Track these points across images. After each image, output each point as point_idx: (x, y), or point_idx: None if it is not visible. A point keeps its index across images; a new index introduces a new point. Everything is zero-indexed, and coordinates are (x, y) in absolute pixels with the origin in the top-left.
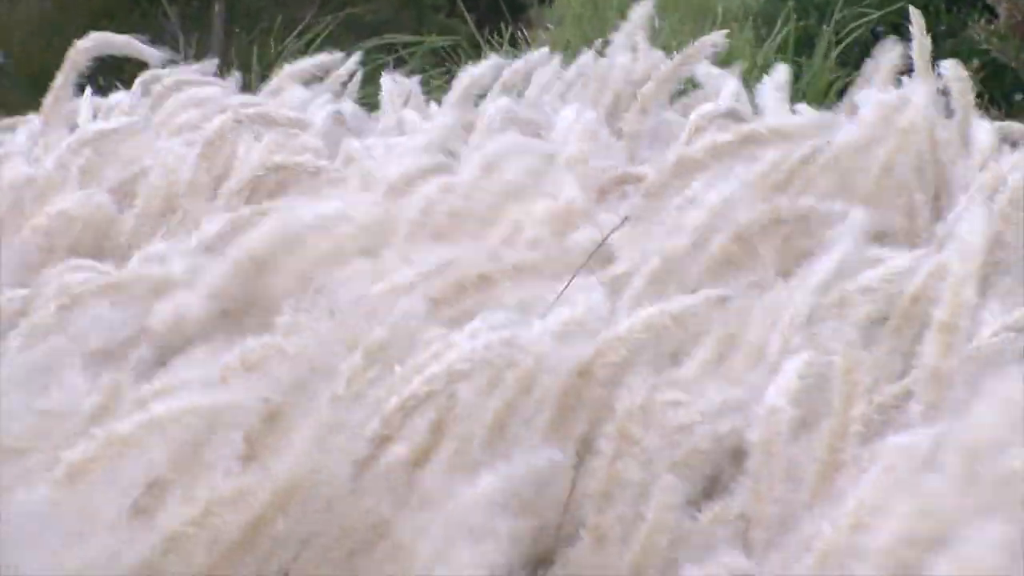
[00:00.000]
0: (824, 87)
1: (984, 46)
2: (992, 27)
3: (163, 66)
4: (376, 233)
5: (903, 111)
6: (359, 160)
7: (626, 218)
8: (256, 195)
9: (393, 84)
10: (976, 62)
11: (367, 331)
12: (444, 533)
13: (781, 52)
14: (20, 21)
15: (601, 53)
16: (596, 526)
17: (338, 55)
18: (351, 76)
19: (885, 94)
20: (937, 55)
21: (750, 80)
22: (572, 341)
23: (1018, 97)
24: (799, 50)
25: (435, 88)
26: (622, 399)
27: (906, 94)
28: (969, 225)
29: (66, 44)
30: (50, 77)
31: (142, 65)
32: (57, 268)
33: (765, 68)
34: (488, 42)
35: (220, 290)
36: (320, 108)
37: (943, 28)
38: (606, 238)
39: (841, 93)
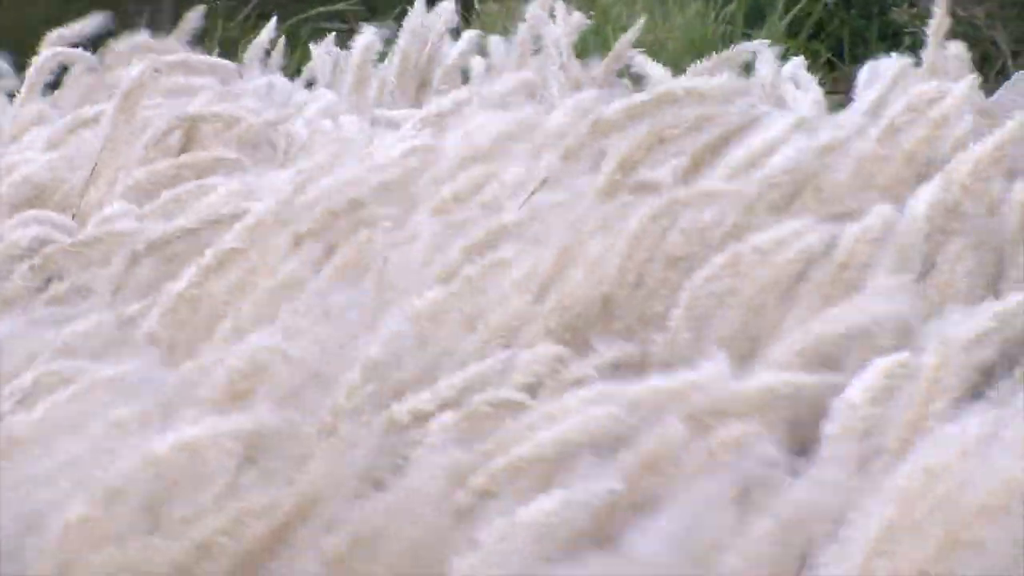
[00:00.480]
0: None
1: (910, 28)
2: (914, 10)
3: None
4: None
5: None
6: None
7: (545, 179)
8: (190, 146)
9: (326, 55)
10: (908, 41)
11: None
12: None
13: (732, 24)
14: (32, 22)
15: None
16: None
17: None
18: (272, 44)
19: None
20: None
21: (704, 53)
22: None
23: None
24: (749, 22)
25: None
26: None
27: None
28: None
29: None
30: None
31: None
32: (11, 221)
33: (716, 41)
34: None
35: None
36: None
37: (876, 10)
38: (528, 198)
39: None
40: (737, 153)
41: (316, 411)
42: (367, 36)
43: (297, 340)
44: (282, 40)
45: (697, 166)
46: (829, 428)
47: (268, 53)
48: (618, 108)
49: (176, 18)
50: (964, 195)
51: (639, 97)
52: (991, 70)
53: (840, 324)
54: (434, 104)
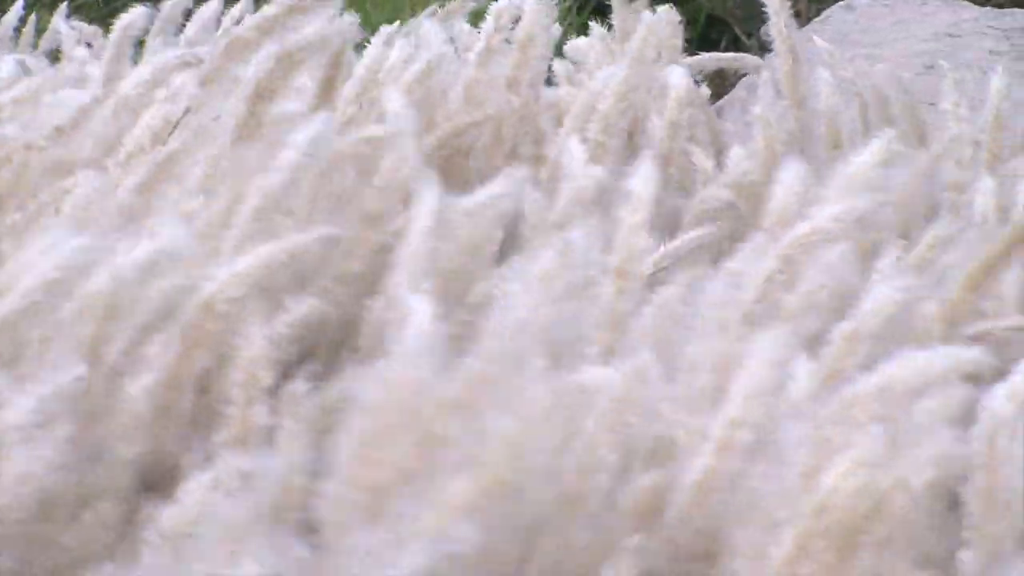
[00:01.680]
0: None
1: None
2: None
3: None
4: None
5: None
6: None
7: (188, 108)
8: None
9: (70, 30)
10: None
11: None
12: None
13: None
14: None
15: None
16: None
17: None
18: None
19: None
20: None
21: None
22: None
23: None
24: None
25: None
26: (244, 348)
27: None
28: (640, 176)
29: None
30: None
31: None
32: None
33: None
34: None
35: None
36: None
37: None
38: (175, 126)
39: None
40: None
41: None
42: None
43: None
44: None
45: (327, 92)
46: None
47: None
48: (250, 24)
49: None
50: (602, 153)
51: (270, 10)
52: (725, 41)
53: None
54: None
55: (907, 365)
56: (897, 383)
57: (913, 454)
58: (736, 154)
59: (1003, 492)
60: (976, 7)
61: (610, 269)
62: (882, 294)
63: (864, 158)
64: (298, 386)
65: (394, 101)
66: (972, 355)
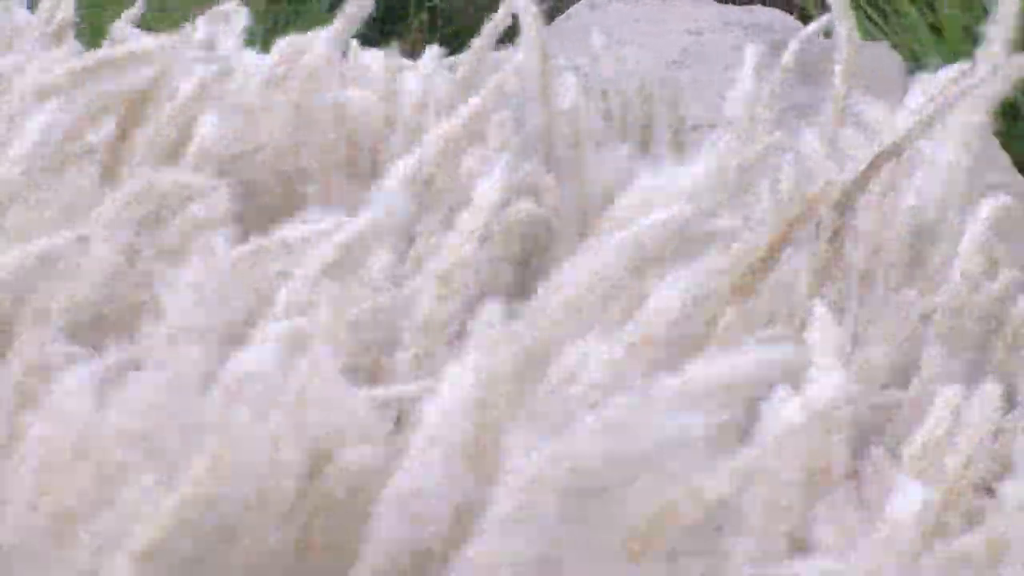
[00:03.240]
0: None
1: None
2: None
3: None
4: None
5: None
6: None
7: None
8: None
9: None
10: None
11: None
12: None
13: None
14: None
15: None
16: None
17: None
18: None
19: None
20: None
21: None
22: None
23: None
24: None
25: None
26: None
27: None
28: (485, 186)
29: None
30: None
31: None
32: None
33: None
34: None
35: None
36: None
37: None
38: None
39: None
40: (162, 115)
41: None
42: None
43: None
44: None
45: (125, 134)
46: None
47: None
48: (59, 73)
49: None
50: (437, 171)
51: (79, 61)
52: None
53: None
54: None
55: (711, 366)
56: (699, 384)
57: (711, 464)
58: None
59: (783, 500)
60: (718, 3)
61: (431, 274)
62: (666, 295)
63: None
64: None
65: None
66: (778, 355)
